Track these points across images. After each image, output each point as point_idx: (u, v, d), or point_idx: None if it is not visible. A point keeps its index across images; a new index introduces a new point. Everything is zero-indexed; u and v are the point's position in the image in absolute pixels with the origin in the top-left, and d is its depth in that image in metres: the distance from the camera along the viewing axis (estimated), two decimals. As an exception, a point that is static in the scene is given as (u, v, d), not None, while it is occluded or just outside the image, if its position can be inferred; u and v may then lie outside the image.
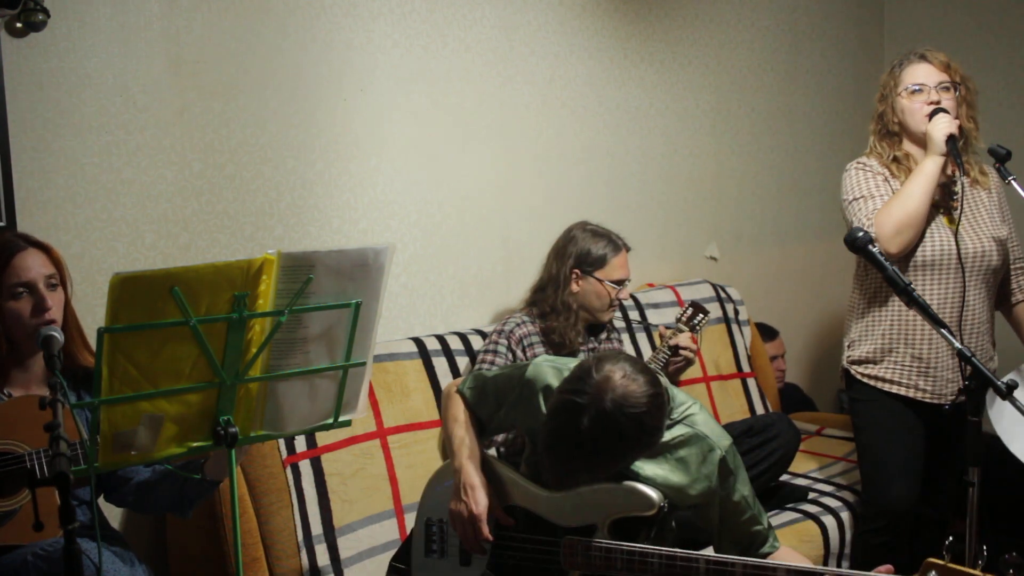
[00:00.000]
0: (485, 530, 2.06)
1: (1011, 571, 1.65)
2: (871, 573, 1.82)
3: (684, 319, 3.01)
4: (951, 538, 1.73)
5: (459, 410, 2.23)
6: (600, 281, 2.85)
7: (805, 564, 1.92)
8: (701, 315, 3.01)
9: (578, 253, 2.87)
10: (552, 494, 2.07)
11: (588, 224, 2.95)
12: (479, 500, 2.07)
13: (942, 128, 2.52)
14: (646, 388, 1.84)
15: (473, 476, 2.10)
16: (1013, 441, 2.48)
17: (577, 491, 2.03)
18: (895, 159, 2.67)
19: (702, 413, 2.07)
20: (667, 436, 2.00)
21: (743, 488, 2.04)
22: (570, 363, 2.07)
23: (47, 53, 2.40)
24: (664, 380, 1.98)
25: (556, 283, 2.88)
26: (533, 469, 2.14)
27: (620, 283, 2.88)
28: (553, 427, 1.90)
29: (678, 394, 2.10)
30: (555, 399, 1.93)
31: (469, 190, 3.26)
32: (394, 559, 2.33)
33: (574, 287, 2.87)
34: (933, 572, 1.72)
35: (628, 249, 2.93)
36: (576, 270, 2.86)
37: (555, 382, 2.04)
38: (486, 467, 2.15)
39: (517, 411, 2.14)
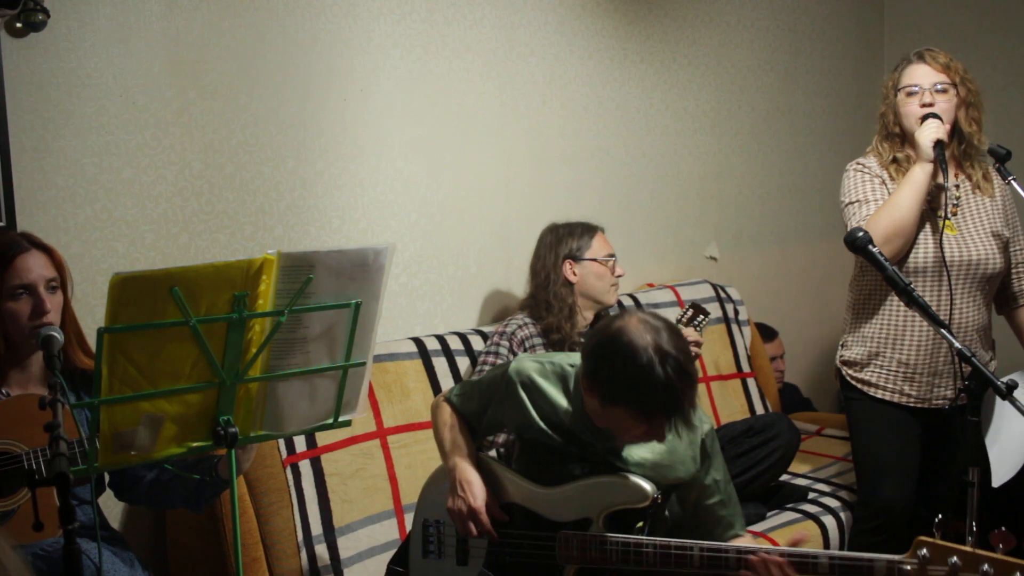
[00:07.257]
0: (487, 522, 2.07)
1: (1000, 546, 1.68)
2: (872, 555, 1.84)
3: (684, 320, 3.00)
4: (940, 516, 1.75)
5: (447, 415, 2.26)
6: (594, 260, 2.93)
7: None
8: (702, 316, 2.99)
9: (564, 247, 2.95)
10: (546, 490, 2.09)
11: (556, 224, 3.03)
12: (476, 494, 2.09)
13: (928, 135, 2.49)
14: (660, 322, 1.91)
15: (468, 472, 2.13)
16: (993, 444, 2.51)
17: (571, 485, 2.05)
18: (895, 160, 2.65)
19: None
20: None
21: (716, 473, 2.12)
22: (552, 357, 2.14)
23: (47, 53, 2.39)
24: None
25: (546, 283, 2.92)
26: (525, 467, 2.16)
27: (611, 256, 2.96)
28: (624, 377, 1.86)
29: None
30: (598, 359, 1.92)
31: (469, 190, 3.26)
32: (392, 562, 2.33)
33: (571, 277, 2.92)
34: (924, 549, 1.76)
35: (602, 229, 3.02)
36: (569, 260, 2.93)
37: (537, 376, 2.10)
38: (480, 465, 2.16)
39: (503, 409, 2.16)
